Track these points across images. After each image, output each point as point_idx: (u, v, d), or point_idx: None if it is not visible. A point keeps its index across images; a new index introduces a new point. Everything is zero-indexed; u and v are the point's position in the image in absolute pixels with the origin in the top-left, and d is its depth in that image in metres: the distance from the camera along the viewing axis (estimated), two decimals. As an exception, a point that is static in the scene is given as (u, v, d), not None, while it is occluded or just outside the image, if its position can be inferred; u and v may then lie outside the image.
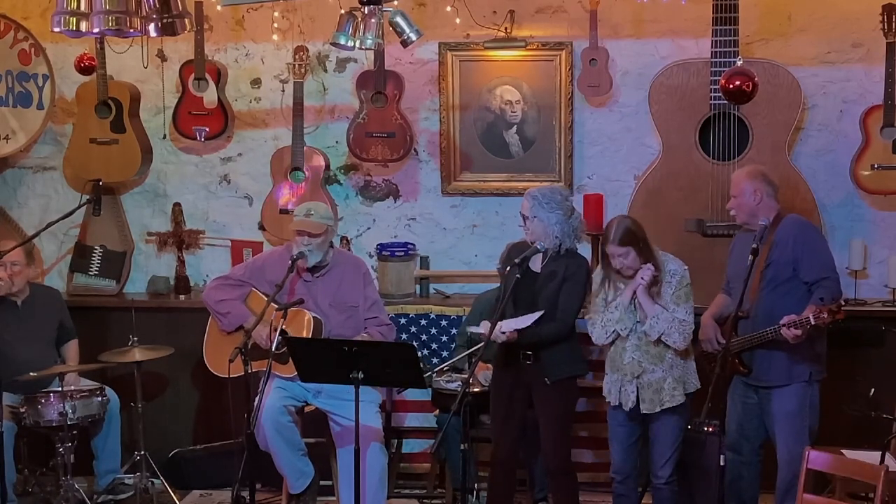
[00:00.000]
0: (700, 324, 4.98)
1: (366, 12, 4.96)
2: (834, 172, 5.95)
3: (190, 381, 6.22)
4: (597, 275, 4.86)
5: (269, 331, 4.96)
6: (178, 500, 5.73)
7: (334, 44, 5.12)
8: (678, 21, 5.96)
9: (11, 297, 5.62)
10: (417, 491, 5.97)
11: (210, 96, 6.11)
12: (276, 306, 5.00)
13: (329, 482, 5.47)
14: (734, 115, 5.61)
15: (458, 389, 4.83)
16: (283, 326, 4.93)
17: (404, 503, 5.85)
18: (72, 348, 5.84)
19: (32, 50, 6.12)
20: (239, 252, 6.29)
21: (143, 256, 6.51)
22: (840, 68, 5.95)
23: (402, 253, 6.17)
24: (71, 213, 5.92)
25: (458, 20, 6.01)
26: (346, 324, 5.23)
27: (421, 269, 6.26)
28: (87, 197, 5.98)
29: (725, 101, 5.22)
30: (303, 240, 5.20)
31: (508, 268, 4.79)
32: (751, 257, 4.62)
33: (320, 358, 4.62)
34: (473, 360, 4.84)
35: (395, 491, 5.87)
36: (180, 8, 3.84)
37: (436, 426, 5.76)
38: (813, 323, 4.50)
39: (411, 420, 6.03)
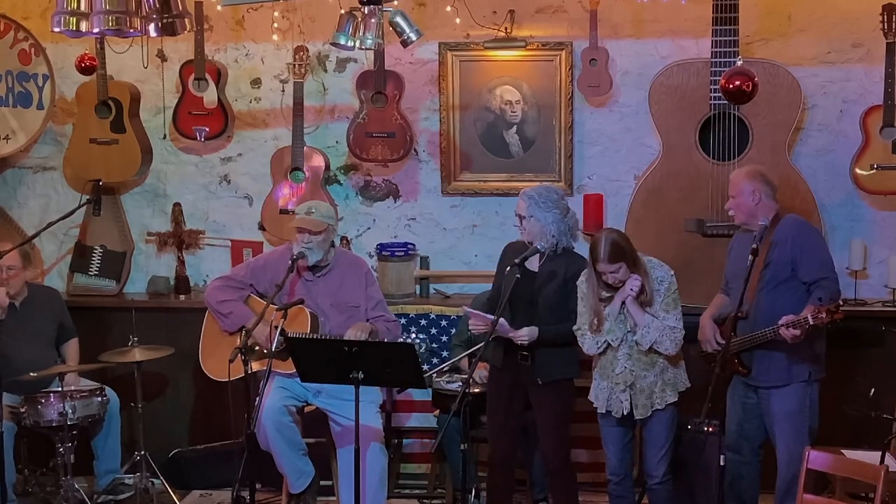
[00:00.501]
0: (699, 324, 4.97)
1: (366, 12, 4.95)
2: (834, 172, 5.95)
3: (190, 381, 6.22)
4: (581, 283, 4.82)
5: (269, 330, 4.96)
6: (178, 500, 5.73)
7: (334, 44, 5.12)
8: (678, 21, 5.96)
9: (9, 298, 5.61)
10: (417, 491, 5.98)
11: (210, 96, 6.11)
12: (276, 306, 5.00)
13: (329, 482, 5.46)
14: (734, 115, 5.60)
15: (458, 390, 4.84)
16: (283, 326, 4.92)
17: (404, 503, 5.86)
18: (72, 347, 5.85)
19: (32, 50, 6.12)
20: (239, 252, 6.29)
21: (143, 256, 6.51)
22: (840, 68, 5.95)
23: (402, 253, 6.17)
24: (71, 213, 5.93)
25: (458, 20, 6.01)
26: (347, 324, 5.22)
27: (421, 269, 6.27)
28: (87, 197, 6.00)
29: (725, 101, 5.20)
30: (303, 237, 5.19)
31: (508, 268, 4.79)
32: (750, 257, 4.61)
33: (320, 358, 4.62)
34: (474, 360, 4.85)
35: (395, 491, 5.88)
36: (180, 8, 3.85)
37: (436, 426, 5.76)
38: (811, 323, 4.49)
39: (411, 420, 6.03)
